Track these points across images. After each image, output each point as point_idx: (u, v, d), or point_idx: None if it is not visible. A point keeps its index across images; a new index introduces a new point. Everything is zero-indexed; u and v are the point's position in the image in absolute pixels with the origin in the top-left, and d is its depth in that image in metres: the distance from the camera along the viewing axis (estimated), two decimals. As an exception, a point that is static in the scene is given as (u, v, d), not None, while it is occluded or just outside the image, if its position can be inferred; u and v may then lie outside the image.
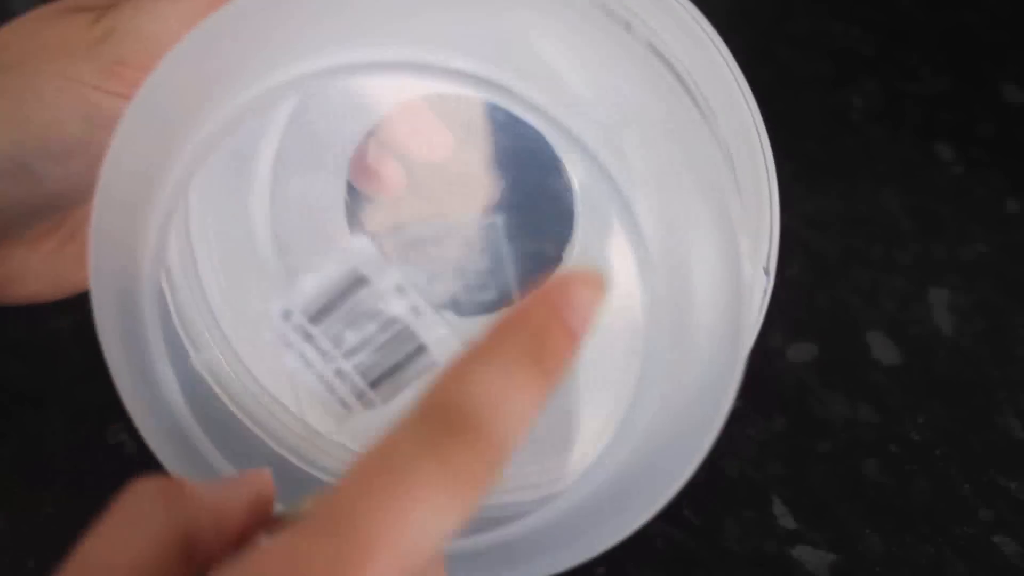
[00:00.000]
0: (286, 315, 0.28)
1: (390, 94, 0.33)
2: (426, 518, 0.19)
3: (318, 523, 0.19)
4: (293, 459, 0.33)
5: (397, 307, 0.28)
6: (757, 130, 0.32)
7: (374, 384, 0.29)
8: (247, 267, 0.34)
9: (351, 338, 0.28)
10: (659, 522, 0.36)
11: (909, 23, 0.53)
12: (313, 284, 0.27)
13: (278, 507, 0.25)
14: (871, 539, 0.36)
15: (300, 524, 0.20)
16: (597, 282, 0.22)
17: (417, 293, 0.28)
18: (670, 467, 0.28)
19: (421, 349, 0.28)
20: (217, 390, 0.33)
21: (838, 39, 0.52)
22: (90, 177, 0.29)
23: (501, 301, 0.32)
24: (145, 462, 0.37)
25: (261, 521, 0.24)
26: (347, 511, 0.19)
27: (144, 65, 0.28)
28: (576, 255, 0.35)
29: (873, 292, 0.43)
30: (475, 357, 0.21)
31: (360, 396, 0.29)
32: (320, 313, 0.28)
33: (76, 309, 0.40)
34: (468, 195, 0.33)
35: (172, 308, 0.31)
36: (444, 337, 0.28)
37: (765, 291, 0.32)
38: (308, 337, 0.28)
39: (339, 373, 0.28)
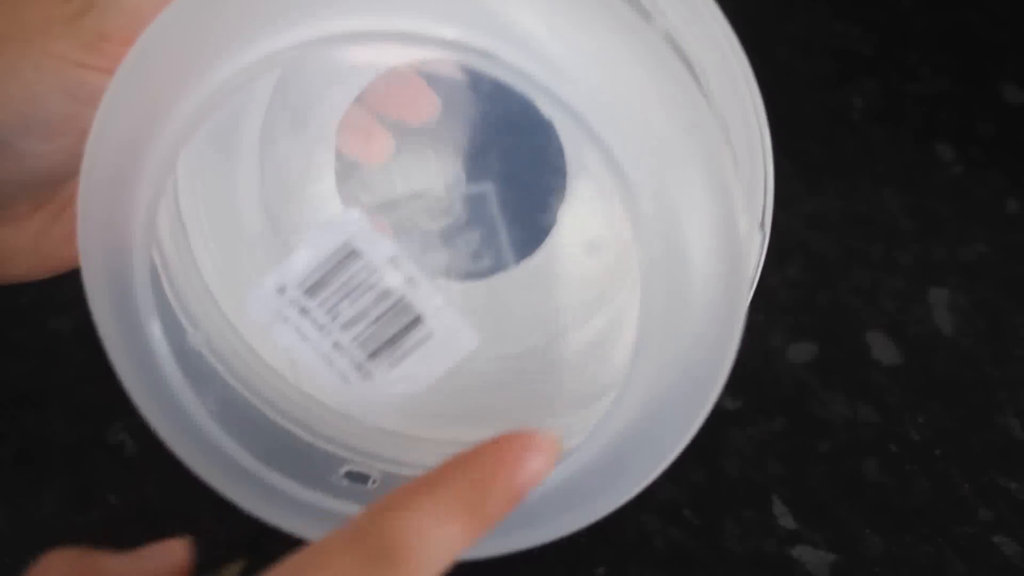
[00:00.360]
0: (281, 290, 0.28)
1: (375, 61, 0.33)
2: None
3: None
4: (296, 430, 0.33)
5: (392, 279, 0.28)
6: (748, 85, 0.31)
7: (372, 356, 0.29)
8: (239, 241, 0.34)
9: (347, 311, 0.28)
10: (659, 522, 0.36)
11: (909, 23, 0.53)
12: (306, 258, 0.28)
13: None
14: (871, 539, 0.36)
15: None
16: (552, 450, 0.24)
17: (412, 264, 0.28)
18: (676, 422, 0.28)
19: (417, 320, 0.28)
20: (217, 366, 0.32)
21: (838, 39, 0.52)
22: (76, 154, 0.29)
23: (496, 267, 0.33)
24: (145, 461, 0.37)
25: None
26: None
27: (126, 39, 0.28)
28: (570, 217, 0.35)
29: (873, 292, 0.43)
30: (419, 492, 0.22)
31: (359, 368, 0.29)
32: (315, 287, 0.28)
33: (76, 309, 0.40)
34: (458, 163, 0.33)
35: (166, 285, 0.31)
36: (440, 307, 0.28)
37: (762, 246, 0.32)
38: (304, 311, 0.28)
39: (337, 346, 0.28)
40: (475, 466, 0.23)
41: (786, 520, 0.36)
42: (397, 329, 0.28)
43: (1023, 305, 0.43)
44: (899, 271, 0.43)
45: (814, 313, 0.42)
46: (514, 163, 0.32)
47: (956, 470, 0.38)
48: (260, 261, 0.35)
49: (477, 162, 0.32)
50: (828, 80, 0.50)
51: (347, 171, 0.35)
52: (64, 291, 0.41)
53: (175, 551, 0.25)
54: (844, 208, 0.45)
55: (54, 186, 0.33)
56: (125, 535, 0.35)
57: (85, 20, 0.28)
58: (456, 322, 0.28)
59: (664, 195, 0.25)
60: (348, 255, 0.28)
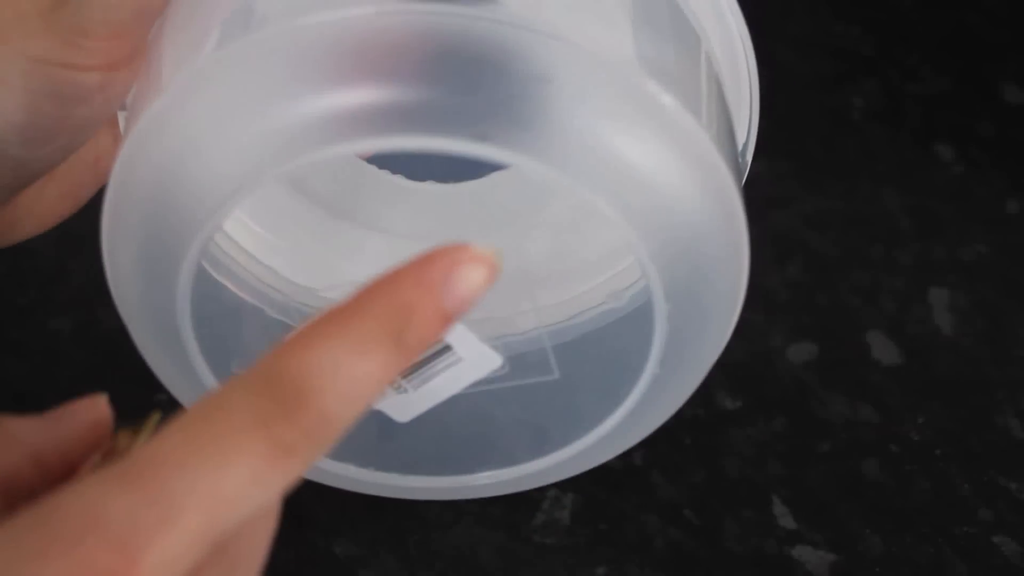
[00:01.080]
0: None
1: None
2: (241, 485, 0.19)
3: (126, 475, 0.18)
4: None
5: None
6: (731, 11, 0.31)
7: (405, 376, 0.29)
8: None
9: None
10: (659, 522, 0.36)
11: (909, 23, 0.53)
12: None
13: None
14: (871, 539, 0.36)
15: (108, 471, 0.18)
16: (488, 264, 0.20)
17: None
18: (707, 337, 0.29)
19: (447, 348, 0.29)
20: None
21: (838, 39, 0.52)
22: (71, 149, 0.28)
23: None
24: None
25: (99, 450, 0.22)
26: (159, 465, 0.18)
27: (107, 34, 0.27)
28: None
29: (873, 292, 0.43)
30: (330, 323, 0.19)
31: (394, 385, 0.30)
32: None
33: (76, 309, 0.40)
34: None
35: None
36: (467, 337, 0.29)
37: (742, 175, 0.32)
38: None
39: None
40: (395, 288, 0.20)
41: (786, 520, 0.36)
42: (428, 355, 0.29)
43: (1023, 305, 0.43)
44: (899, 271, 0.43)
45: (814, 313, 0.42)
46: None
47: (956, 470, 0.38)
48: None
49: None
50: (828, 80, 0.50)
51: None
52: (64, 291, 0.41)
53: (94, 408, 0.23)
54: (844, 208, 0.45)
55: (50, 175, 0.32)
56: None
57: (61, 15, 0.27)
58: (482, 349, 0.29)
59: None
60: None
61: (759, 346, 0.41)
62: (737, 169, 0.28)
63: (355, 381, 0.19)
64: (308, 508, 0.36)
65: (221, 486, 0.18)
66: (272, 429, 0.19)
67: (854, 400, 0.39)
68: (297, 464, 0.19)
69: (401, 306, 0.20)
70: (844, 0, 0.53)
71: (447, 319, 0.20)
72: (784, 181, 0.46)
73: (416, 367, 0.30)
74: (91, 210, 0.41)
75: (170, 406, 0.38)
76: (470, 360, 0.30)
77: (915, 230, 0.45)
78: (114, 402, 0.36)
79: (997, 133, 0.48)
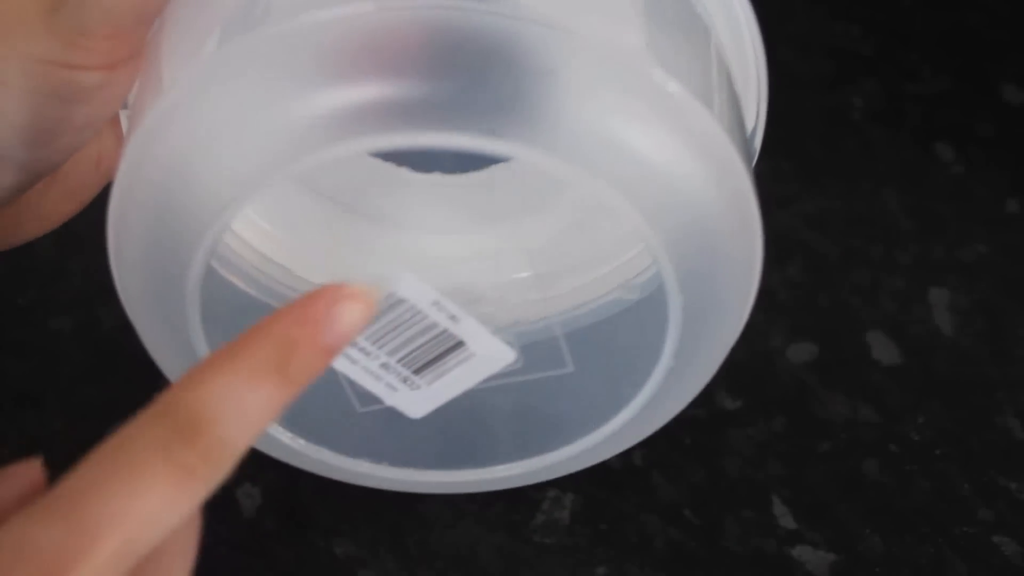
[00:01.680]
0: None
1: None
2: (151, 508, 0.21)
3: (48, 508, 0.21)
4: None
5: (435, 317, 0.29)
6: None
7: (418, 372, 0.30)
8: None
9: (393, 341, 0.29)
10: (659, 522, 0.36)
11: (909, 23, 0.53)
12: None
13: None
14: (871, 539, 0.36)
15: (34, 505, 0.21)
16: (366, 300, 0.23)
17: (453, 305, 0.29)
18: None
19: (460, 344, 0.30)
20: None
21: (838, 39, 0.52)
22: (73, 149, 0.28)
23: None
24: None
25: None
26: (77, 497, 0.21)
27: (107, 34, 0.26)
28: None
29: (873, 292, 0.43)
30: (221, 359, 0.22)
31: (406, 380, 0.30)
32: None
33: (76, 309, 0.40)
34: None
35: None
36: (480, 334, 0.30)
37: (754, 153, 0.32)
38: (351, 343, 0.29)
39: (384, 366, 0.30)
40: (279, 326, 0.22)
41: (786, 520, 0.36)
42: (440, 351, 0.30)
43: (1023, 305, 0.43)
44: (899, 271, 0.43)
45: (814, 313, 0.42)
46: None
47: (956, 470, 0.38)
48: None
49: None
50: (828, 80, 0.50)
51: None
52: (64, 291, 0.41)
53: (28, 472, 0.24)
54: (844, 208, 0.45)
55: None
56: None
57: (61, 15, 0.27)
58: (495, 344, 0.30)
59: None
60: (395, 303, 0.29)
61: (759, 346, 0.41)
62: (749, 158, 0.28)
63: (245, 410, 0.22)
64: (308, 508, 0.36)
65: (135, 509, 0.21)
66: (173, 453, 0.21)
67: (854, 400, 0.39)
68: (199, 484, 0.21)
69: (285, 342, 0.22)
70: (844, 0, 0.53)
71: (329, 352, 0.22)
72: (784, 181, 0.46)
73: (429, 363, 0.30)
74: (91, 210, 0.41)
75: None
76: (483, 355, 0.30)
77: (915, 230, 0.45)
78: (114, 402, 0.36)
79: (997, 133, 0.48)
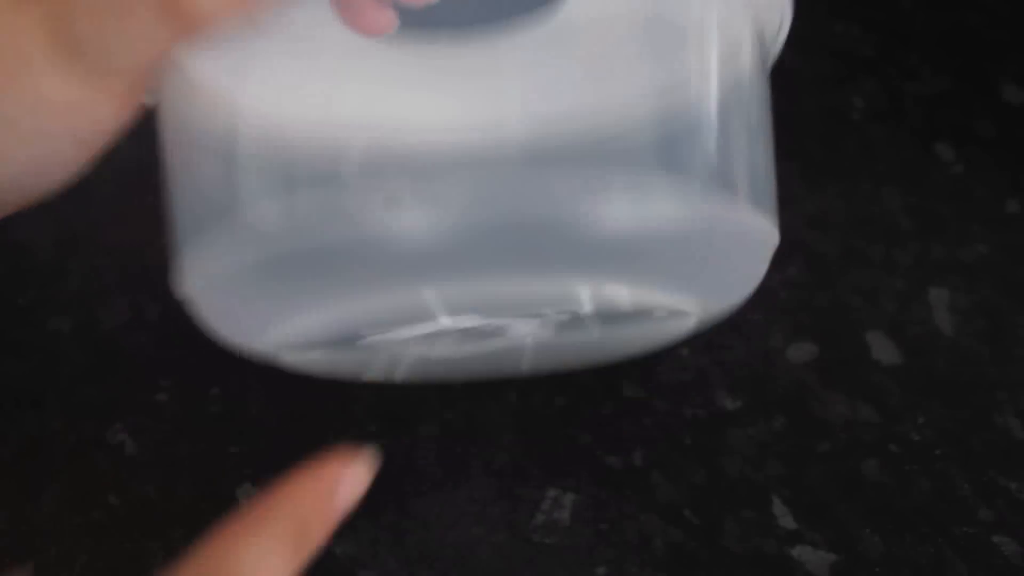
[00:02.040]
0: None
1: None
2: None
3: None
4: None
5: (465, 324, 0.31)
6: None
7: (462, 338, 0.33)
8: None
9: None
10: (659, 522, 0.36)
11: (909, 23, 0.53)
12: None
13: None
14: (871, 539, 0.36)
15: None
16: (363, 471, 0.27)
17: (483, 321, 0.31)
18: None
19: (500, 328, 0.32)
20: None
21: (838, 39, 0.52)
22: (72, 176, 0.29)
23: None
24: (145, 461, 0.37)
25: None
26: None
27: (126, 77, 0.27)
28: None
29: (873, 292, 0.43)
30: (246, 529, 0.26)
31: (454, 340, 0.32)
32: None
33: (76, 309, 0.40)
34: None
35: None
36: (513, 324, 0.32)
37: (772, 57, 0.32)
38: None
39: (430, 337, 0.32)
40: (291, 502, 0.26)
41: (786, 520, 0.36)
42: (484, 332, 0.32)
43: (1023, 305, 0.43)
44: (899, 271, 0.43)
45: (814, 313, 0.42)
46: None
47: (956, 470, 0.38)
48: None
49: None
50: (828, 80, 0.50)
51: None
52: (64, 291, 0.41)
53: None
54: (844, 208, 0.45)
55: None
56: (125, 535, 0.35)
57: (69, 53, 0.26)
58: (531, 323, 0.32)
59: None
60: (436, 334, 0.31)
61: (759, 346, 0.41)
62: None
63: (272, 571, 0.25)
64: (308, 508, 0.36)
65: None
66: None
67: (854, 400, 0.39)
68: None
69: (297, 516, 0.26)
70: (844, 0, 0.53)
71: (335, 518, 0.27)
72: (784, 181, 0.46)
73: (472, 334, 0.32)
74: (92, 210, 0.41)
75: (169, 406, 0.38)
76: (519, 329, 0.32)
77: (915, 230, 0.45)
78: (114, 402, 0.37)
79: (997, 133, 0.48)
